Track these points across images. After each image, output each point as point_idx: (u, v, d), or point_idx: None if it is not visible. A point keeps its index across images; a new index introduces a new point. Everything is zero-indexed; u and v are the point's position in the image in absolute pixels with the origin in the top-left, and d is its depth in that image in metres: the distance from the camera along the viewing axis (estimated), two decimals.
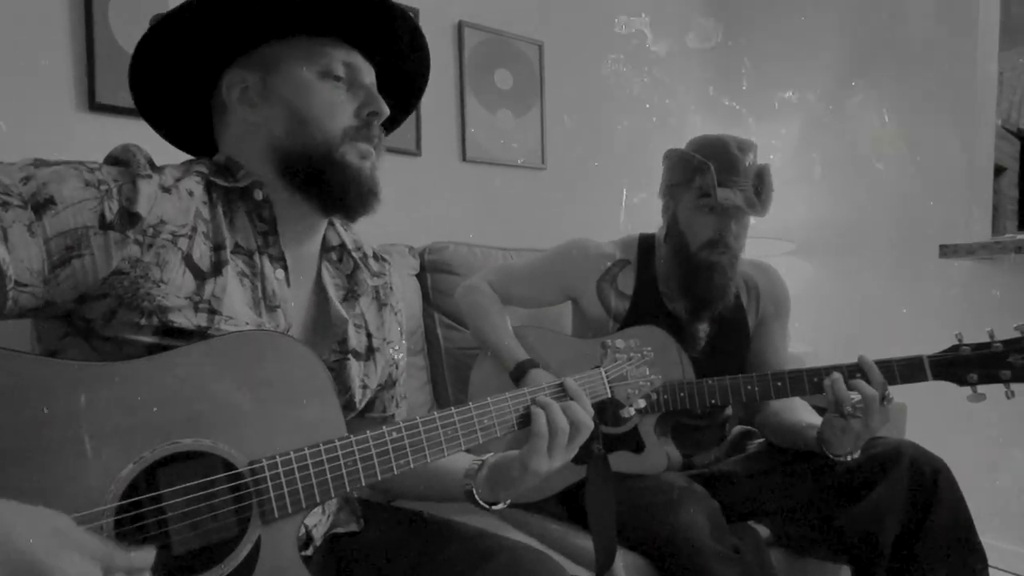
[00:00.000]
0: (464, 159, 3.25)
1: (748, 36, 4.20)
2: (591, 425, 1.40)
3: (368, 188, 1.32)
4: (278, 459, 1.06)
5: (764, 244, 3.76)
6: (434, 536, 1.44)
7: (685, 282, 2.17)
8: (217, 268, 1.18)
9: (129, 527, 0.94)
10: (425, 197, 3.10)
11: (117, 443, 0.95)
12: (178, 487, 0.98)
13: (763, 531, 2.12)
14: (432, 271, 2.76)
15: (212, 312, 1.14)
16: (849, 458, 1.88)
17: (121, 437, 0.95)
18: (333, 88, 1.29)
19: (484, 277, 2.40)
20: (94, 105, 2.31)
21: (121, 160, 1.14)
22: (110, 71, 2.32)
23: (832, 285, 3.85)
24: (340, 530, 1.47)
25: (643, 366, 1.68)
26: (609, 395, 1.60)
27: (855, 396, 1.79)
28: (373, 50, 1.38)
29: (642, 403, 1.64)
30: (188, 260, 1.14)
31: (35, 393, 0.90)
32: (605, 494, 1.74)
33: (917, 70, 3.46)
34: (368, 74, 1.35)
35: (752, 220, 2.18)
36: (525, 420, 1.37)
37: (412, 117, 3.02)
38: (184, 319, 1.11)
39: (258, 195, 1.28)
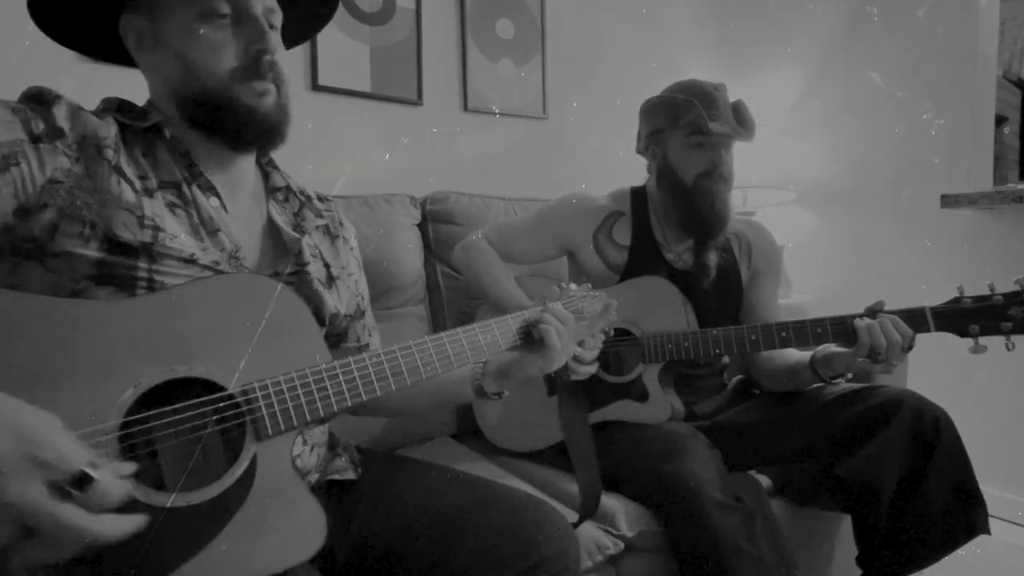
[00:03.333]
0: (465, 109, 3.24)
1: None
2: (573, 320, 1.57)
3: (268, 124, 1.32)
4: (268, 381, 1.12)
5: (766, 194, 3.76)
6: (433, 483, 1.47)
7: (687, 217, 2.21)
8: (148, 193, 1.21)
9: (130, 442, 0.99)
10: (426, 147, 3.09)
11: (117, 371, 1.00)
12: (176, 406, 1.04)
13: (764, 481, 2.14)
14: (433, 221, 2.75)
15: (156, 229, 1.17)
16: (843, 380, 1.97)
17: (121, 366, 1.00)
18: (217, 28, 1.26)
19: (482, 235, 2.41)
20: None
21: (33, 98, 1.17)
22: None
23: (833, 235, 3.85)
24: (337, 477, 1.49)
25: (598, 304, 1.73)
26: None
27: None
28: None
29: (595, 330, 1.72)
30: (119, 171, 1.18)
31: (40, 329, 0.96)
32: (581, 422, 1.77)
33: (919, 19, 3.44)
34: (259, 4, 1.31)
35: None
36: (526, 338, 1.54)
37: (413, 67, 3.02)
38: (128, 233, 1.14)
39: (166, 133, 1.30)
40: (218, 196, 1.32)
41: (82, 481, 0.81)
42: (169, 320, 1.07)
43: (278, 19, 1.36)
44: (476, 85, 3.26)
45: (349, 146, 2.85)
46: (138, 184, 1.20)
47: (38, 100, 1.16)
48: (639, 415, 2.09)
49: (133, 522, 0.87)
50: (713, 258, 2.25)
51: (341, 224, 1.62)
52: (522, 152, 3.42)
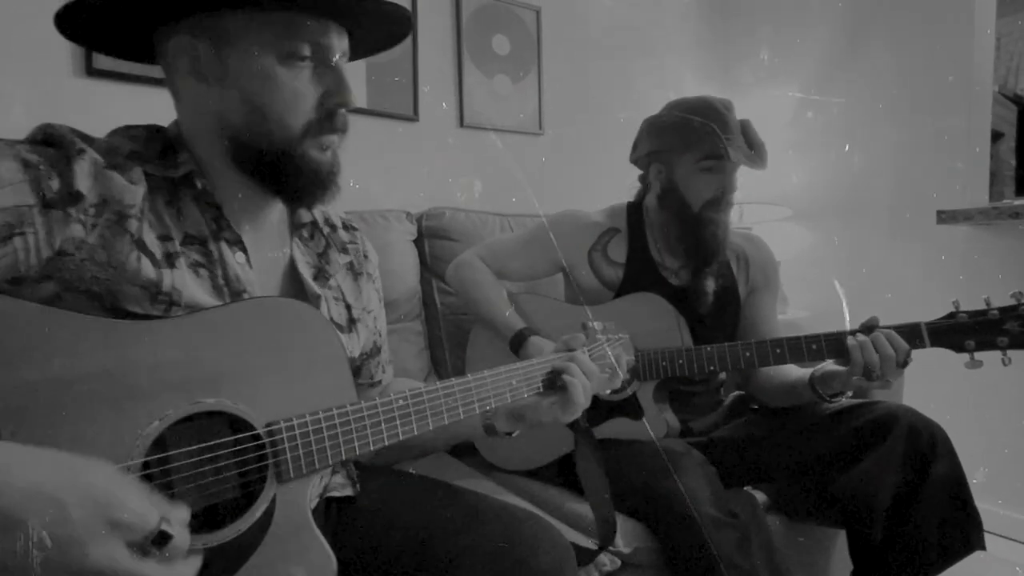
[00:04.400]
0: (462, 125, 3.24)
1: (747, 0, 4.19)
2: (597, 370, 1.52)
3: (327, 178, 1.25)
4: (294, 421, 1.08)
5: (762, 210, 3.77)
6: (430, 499, 1.45)
7: (686, 242, 2.19)
8: (170, 260, 1.13)
9: (154, 482, 0.96)
10: (423, 163, 3.10)
11: (144, 400, 0.96)
12: (201, 445, 1.00)
13: (760, 497, 2.14)
14: (430, 237, 2.76)
15: (171, 304, 1.11)
16: (842, 398, 1.96)
17: (147, 395, 0.97)
18: (297, 73, 1.18)
19: (475, 253, 2.39)
20: (91, 70, 2.30)
21: (50, 142, 1.07)
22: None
23: (829, 251, 3.85)
24: (335, 494, 1.47)
25: (619, 347, 1.73)
26: None
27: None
28: (347, 21, 1.26)
29: (617, 383, 1.70)
30: (141, 245, 1.09)
31: (66, 348, 0.92)
32: (595, 463, 1.76)
33: (915, 35, 3.44)
34: (338, 48, 1.23)
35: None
36: (549, 384, 1.49)
37: (409, 83, 3.02)
38: (138, 307, 1.08)
39: (198, 184, 1.20)
40: (244, 250, 1.25)
41: (162, 538, 0.82)
42: (197, 345, 1.04)
43: (346, 60, 1.27)
44: (472, 101, 3.27)
45: (345, 162, 2.85)
46: (159, 252, 1.12)
47: (57, 146, 1.06)
48: (634, 432, 2.08)
49: (195, 566, 0.88)
50: (710, 284, 2.21)
51: (366, 256, 1.57)
52: (518, 168, 3.42)
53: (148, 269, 1.09)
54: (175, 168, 1.19)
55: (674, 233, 2.21)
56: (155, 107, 1.34)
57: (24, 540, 0.74)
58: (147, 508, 0.82)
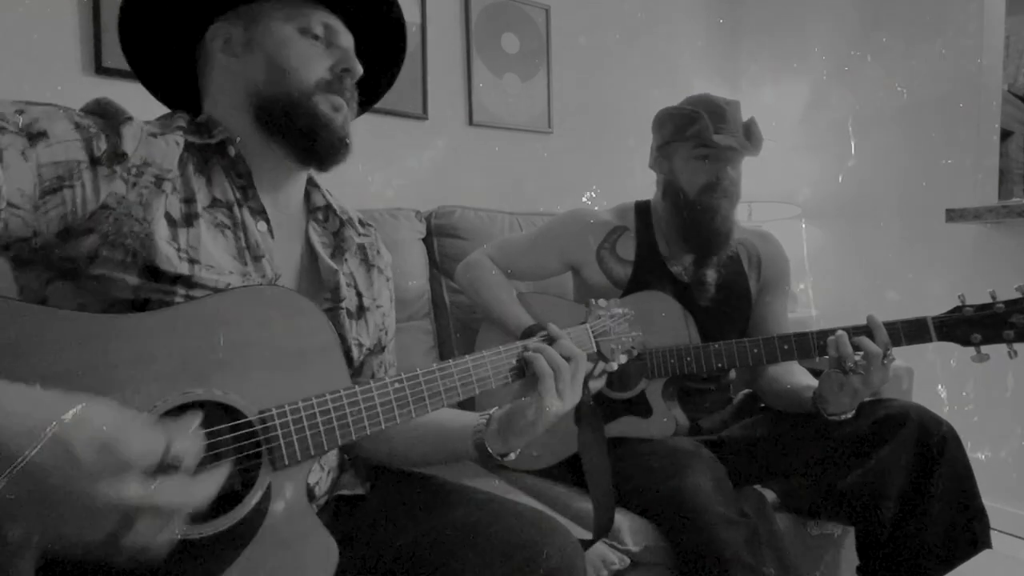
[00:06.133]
0: (471, 123, 3.25)
1: (756, 0, 4.18)
2: (584, 355, 1.47)
3: (338, 137, 1.37)
4: (287, 408, 1.09)
5: (771, 208, 3.77)
6: (440, 500, 1.45)
7: (687, 231, 2.20)
8: (188, 220, 1.22)
9: None
10: (432, 161, 3.10)
11: (131, 394, 0.96)
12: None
13: (769, 495, 2.14)
14: (439, 235, 2.76)
15: (192, 261, 1.18)
16: (843, 417, 1.91)
17: (135, 388, 0.97)
18: (311, 44, 1.35)
19: (484, 252, 2.41)
20: (100, 68, 2.31)
21: (100, 112, 1.19)
22: (116, 34, 2.30)
23: (839, 249, 3.85)
24: (346, 492, 1.48)
25: (624, 323, 1.71)
26: (595, 349, 1.63)
27: (858, 354, 1.81)
28: (352, 18, 1.44)
29: (623, 358, 1.68)
30: (170, 205, 1.20)
31: (50, 345, 0.93)
32: (598, 444, 1.76)
33: (924, 34, 3.44)
34: (346, 38, 1.41)
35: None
36: (519, 372, 1.44)
37: (418, 81, 3.03)
38: (168, 264, 1.14)
39: (231, 151, 1.33)
40: (267, 220, 1.34)
41: (168, 466, 0.84)
42: (187, 336, 1.05)
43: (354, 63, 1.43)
44: (481, 99, 3.27)
45: (354, 160, 2.86)
46: (179, 213, 1.21)
47: (106, 115, 1.17)
48: (643, 430, 2.09)
49: (215, 480, 0.91)
50: (712, 274, 2.22)
51: (379, 253, 1.63)
52: (527, 166, 3.43)
53: (164, 229, 1.17)
54: (211, 136, 1.32)
55: (676, 223, 2.22)
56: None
57: (34, 483, 0.76)
58: (152, 440, 0.84)
